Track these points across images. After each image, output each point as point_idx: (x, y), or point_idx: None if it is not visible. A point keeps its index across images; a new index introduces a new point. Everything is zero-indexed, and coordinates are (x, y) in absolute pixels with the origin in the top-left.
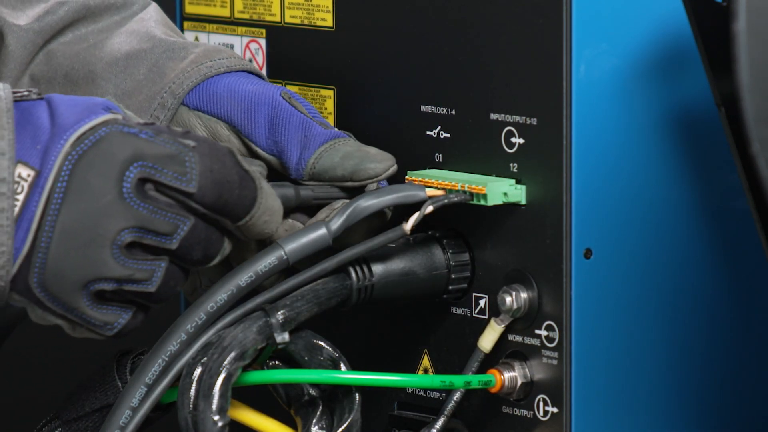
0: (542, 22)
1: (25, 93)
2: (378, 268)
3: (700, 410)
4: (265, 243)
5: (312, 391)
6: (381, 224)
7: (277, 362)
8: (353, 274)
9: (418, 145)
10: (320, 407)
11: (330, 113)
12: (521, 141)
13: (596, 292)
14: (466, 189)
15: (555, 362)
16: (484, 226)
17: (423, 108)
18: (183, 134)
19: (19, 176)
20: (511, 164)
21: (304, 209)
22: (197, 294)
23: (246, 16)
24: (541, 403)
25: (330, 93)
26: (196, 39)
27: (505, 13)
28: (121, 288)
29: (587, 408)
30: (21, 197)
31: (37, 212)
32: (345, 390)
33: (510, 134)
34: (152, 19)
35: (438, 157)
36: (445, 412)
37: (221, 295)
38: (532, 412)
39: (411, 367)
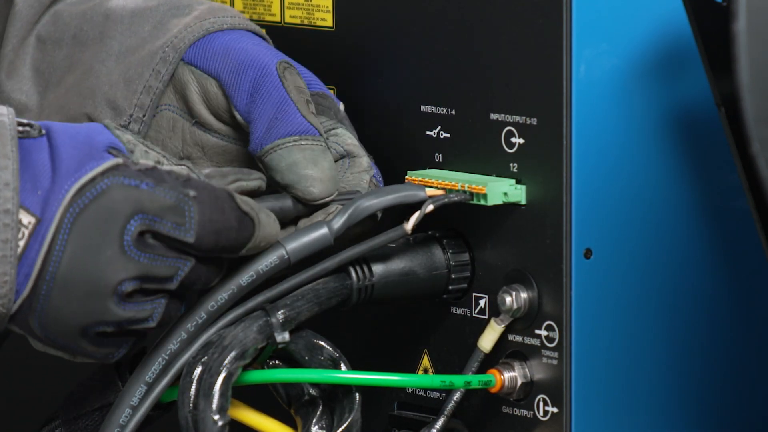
0: (542, 22)
1: (27, 128)
2: (378, 268)
3: (700, 410)
4: None
5: (312, 391)
6: (372, 225)
7: (277, 362)
8: (353, 274)
9: (418, 145)
10: (320, 407)
11: None
12: (521, 141)
13: (596, 292)
14: (466, 189)
15: (555, 362)
16: (484, 226)
17: (423, 108)
18: (184, 182)
19: (20, 223)
20: (511, 164)
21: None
22: None
23: (246, 16)
24: (541, 403)
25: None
26: None
27: (505, 13)
28: (121, 329)
29: (587, 408)
30: (22, 243)
31: (38, 261)
32: (345, 390)
33: (510, 134)
34: None
35: (438, 157)
36: (445, 412)
37: (222, 294)
38: (532, 412)
39: (411, 367)
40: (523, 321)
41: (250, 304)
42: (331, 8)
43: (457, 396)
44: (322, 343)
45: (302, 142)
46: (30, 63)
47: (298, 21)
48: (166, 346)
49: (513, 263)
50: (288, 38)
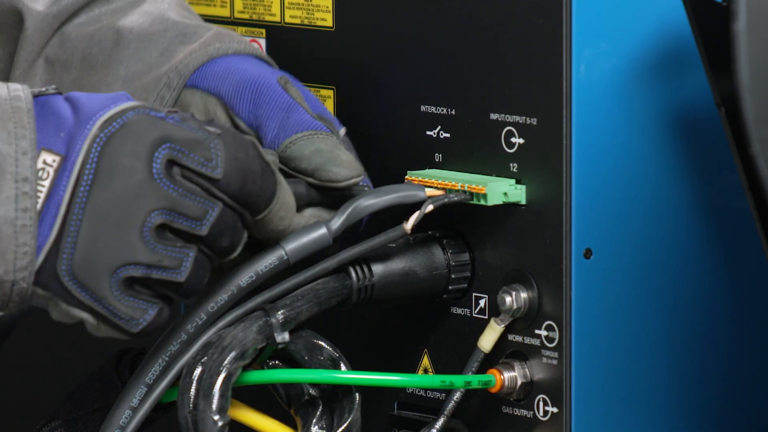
0: (542, 22)
1: (43, 89)
2: (378, 268)
3: (700, 410)
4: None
5: (312, 391)
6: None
7: (277, 362)
8: (353, 274)
9: (418, 145)
10: (320, 407)
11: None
12: (521, 141)
13: (596, 292)
14: (466, 189)
15: (555, 362)
16: (484, 226)
17: (423, 108)
18: (207, 123)
19: (44, 162)
20: (511, 164)
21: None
22: None
23: (246, 16)
24: (541, 403)
25: (330, 93)
26: None
27: (504, 13)
28: (149, 276)
29: (587, 408)
30: (47, 183)
31: (66, 196)
32: (345, 390)
33: (510, 134)
34: (166, 0)
35: (438, 157)
36: (445, 412)
37: (222, 295)
38: (532, 412)
39: (411, 367)
40: (523, 321)
41: (250, 304)
42: (331, 8)
43: (457, 396)
44: (322, 343)
45: (319, 135)
46: (39, 85)
47: (298, 21)
48: (166, 347)
49: (513, 263)
50: (288, 38)
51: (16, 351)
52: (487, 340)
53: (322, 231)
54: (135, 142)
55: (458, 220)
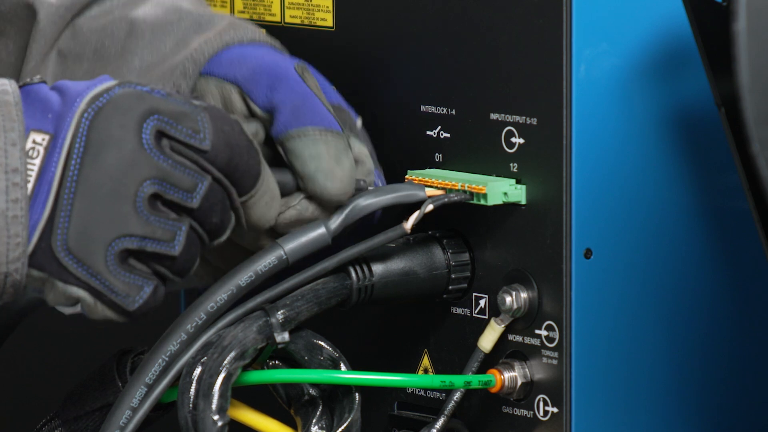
0: (542, 22)
1: (27, 80)
2: (378, 268)
3: (700, 410)
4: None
5: (312, 391)
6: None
7: (277, 362)
8: (353, 274)
9: (418, 145)
10: (320, 407)
11: None
12: (521, 141)
13: (596, 292)
14: (466, 188)
15: (555, 362)
16: (484, 226)
17: (423, 108)
18: (193, 97)
19: (34, 142)
20: (511, 164)
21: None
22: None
23: (246, 16)
24: (541, 403)
25: None
26: None
27: (504, 13)
28: (144, 248)
29: (587, 408)
30: (37, 161)
31: (57, 171)
32: (345, 390)
33: (510, 134)
34: None
35: (438, 157)
36: (445, 412)
37: (221, 294)
38: (532, 412)
39: (411, 367)
40: (523, 321)
41: (250, 304)
42: (331, 8)
43: (457, 396)
44: (322, 343)
45: (328, 136)
46: (51, 78)
47: (298, 21)
48: (166, 347)
49: (513, 263)
50: (288, 38)
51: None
52: (487, 340)
53: (321, 230)
54: (123, 114)
55: (458, 220)
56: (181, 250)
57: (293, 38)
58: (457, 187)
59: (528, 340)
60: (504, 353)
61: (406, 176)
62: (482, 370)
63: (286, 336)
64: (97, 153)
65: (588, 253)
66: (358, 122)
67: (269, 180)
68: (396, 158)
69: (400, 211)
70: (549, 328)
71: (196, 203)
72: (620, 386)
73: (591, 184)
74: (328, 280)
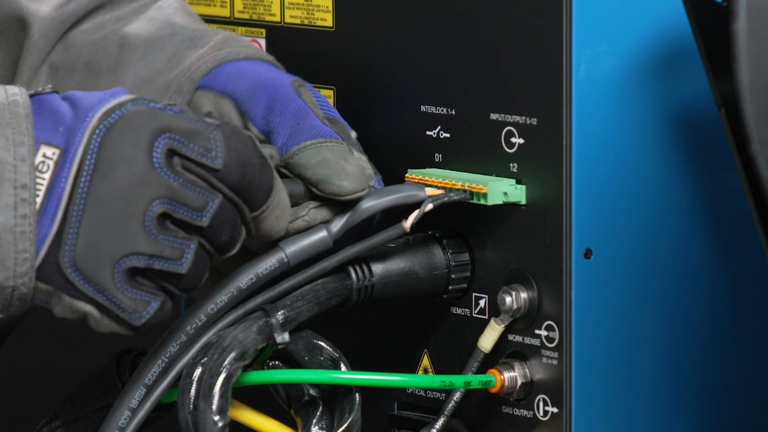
0: (542, 22)
1: (39, 89)
2: (378, 268)
3: (700, 410)
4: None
5: (312, 391)
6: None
7: (277, 362)
8: (353, 274)
9: (418, 145)
10: (320, 407)
11: None
12: (521, 141)
13: (596, 292)
14: (466, 188)
15: (555, 362)
16: (484, 226)
17: (423, 108)
18: (206, 114)
19: (44, 156)
20: (511, 164)
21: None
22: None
23: (246, 16)
24: (541, 403)
25: (330, 93)
26: None
27: (504, 13)
28: (151, 266)
29: (587, 408)
30: (47, 176)
31: (67, 187)
32: (345, 390)
33: (510, 134)
34: (171, 6)
35: (438, 157)
36: (445, 412)
37: (221, 297)
38: (532, 412)
39: (411, 367)
40: (523, 321)
41: (250, 304)
42: (331, 8)
43: (457, 396)
44: (322, 344)
45: (329, 143)
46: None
47: (298, 21)
48: (166, 348)
49: (513, 263)
50: (288, 38)
51: (16, 351)
52: (487, 340)
53: (323, 234)
54: (135, 132)
55: (458, 219)
56: (189, 267)
57: (293, 38)
58: (457, 187)
59: (528, 340)
60: (504, 353)
61: (406, 176)
62: (482, 370)
63: (286, 336)
64: (107, 170)
65: (588, 253)
66: (353, 135)
67: (281, 194)
68: (396, 158)
69: (400, 211)
70: (549, 328)
71: (206, 222)
72: (620, 386)
73: (591, 184)
74: (328, 281)
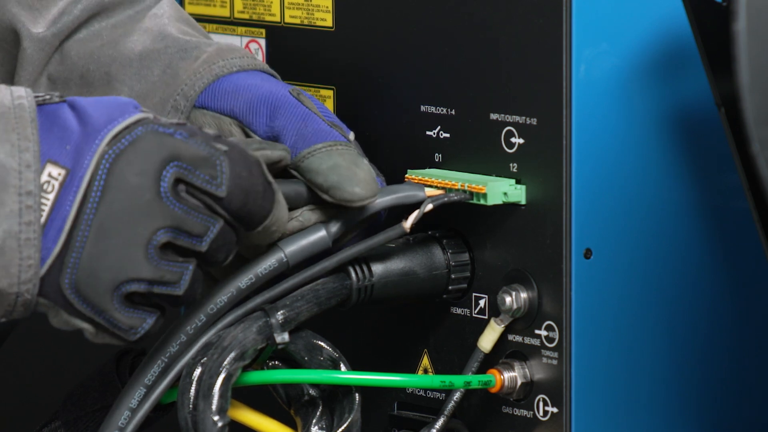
0: (542, 22)
1: (47, 96)
2: (378, 268)
3: (700, 410)
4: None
5: (312, 391)
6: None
7: (277, 362)
8: (353, 274)
9: (418, 145)
10: (320, 407)
11: None
12: (521, 141)
13: (596, 292)
14: (466, 188)
15: (555, 362)
16: (484, 226)
17: (423, 108)
18: (215, 138)
19: (49, 175)
20: (511, 164)
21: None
22: None
23: (246, 16)
24: (541, 403)
25: (330, 93)
26: None
27: (504, 13)
28: (150, 291)
29: (587, 408)
30: (51, 196)
31: (72, 211)
32: (345, 390)
33: (510, 134)
34: (166, 15)
35: (438, 157)
36: (445, 412)
37: (221, 297)
38: (532, 412)
39: (411, 367)
40: (523, 321)
41: (250, 305)
42: (331, 8)
43: (457, 396)
44: (322, 344)
45: (339, 147)
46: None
47: (298, 21)
48: (166, 348)
49: (513, 263)
50: (288, 38)
51: (16, 351)
52: (487, 340)
53: (322, 233)
54: (143, 160)
55: (458, 220)
56: (186, 288)
57: (293, 38)
58: (456, 187)
59: (528, 340)
60: (504, 353)
61: (406, 176)
62: (482, 370)
63: (286, 336)
64: (115, 199)
65: (588, 253)
66: (351, 136)
67: (279, 212)
68: (396, 158)
69: (399, 211)
70: (549, 328)
71: (205, 247)
72: (620, 386)
73: (591, 184)
74: (328, 281)
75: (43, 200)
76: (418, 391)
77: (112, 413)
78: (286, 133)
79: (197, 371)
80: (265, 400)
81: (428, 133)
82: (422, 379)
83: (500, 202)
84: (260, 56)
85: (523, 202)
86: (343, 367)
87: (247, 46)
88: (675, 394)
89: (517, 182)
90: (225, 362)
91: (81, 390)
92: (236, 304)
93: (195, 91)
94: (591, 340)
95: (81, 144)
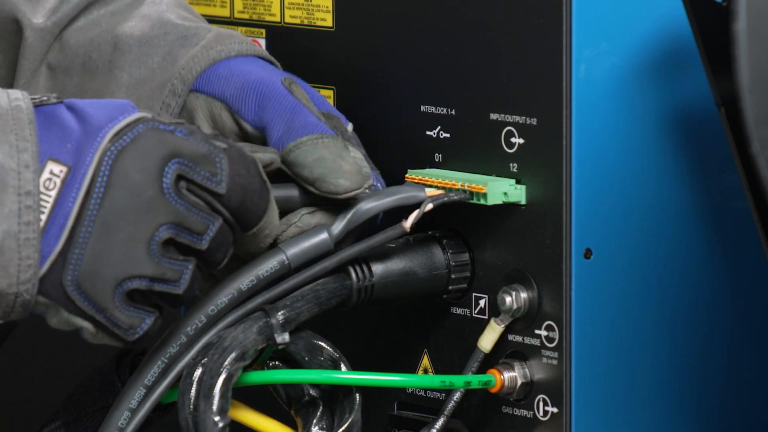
0: (542, 22)
1: (44, 98)
2: (378, 268)
3: (700, 410)
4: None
5: (312, 392)
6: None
7: (277, 362)
8: (353, 274)
9: (418, 145)
10: (320, 407)
11: None
12: (521, 141)
13: (596, 292)
14: (466, 188)
15: (555, 362)
16: (484, 226)
17: (423, 108)
18: (213, 136)
19: (51, 173)
20: (511, 164)
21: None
22: None
23: (246, 16)
24: (541, 403)
25: (330, 93)
26: None
27: (504, 13)
28: (151, 288)
29: (587, 408)
30: (53, 193)
31: (75, 208)
32: (345, 390)
33: (510, 134)
34: (164, 1)
35: (438, 157)
36: (445, 412)
37: (222, 298)
38: (532, 412)
39: (411, 367)
40: (523, 321)
41: (250, 305)
42: (331, 8)
43: (457, 396)
44: (322, 344)
45: (324, 140)
46: (43, 92)
47: (298, 21)
48: (166, 349)
49: (513, 263)
50: (288, 38)
51: (16, 351)
52: (487, 340)
53: (324, 236)
54: (145, 157)
55: (458, 220)
56: (186, 287)
57: (293, 38)
58: (457, 187)
59: (528, 340)
60: (504, 353)
61: (406, 176)
62: (482, 370)
63: (286, 337)
64: (117, 195)
65: (588, 253)
66: (349, 127)
67: (272, 215)
68: (396, 158)
69: (399, 211)
70: (549, 328)
71: (205, 245)
72: (620, 386)
73: (591, 184)
74: (328, 281)
75: (45, 198)
76: (418, 391)
77: (112, 413)
78: (273, 124)
79: (198, 372)
80: (265, 400)
81: (428, 133)
82: (422, 379)
83: (500, 202)
84: None
85: (523, 202)
86: (343, 368)
87: None
88: (675, 394)
89: (517, 182)
90: (225, 363)
91: (81, 390)
92: (237, 305)
93: (192, 75)
94: (591, 340)
95: (82, 142)
